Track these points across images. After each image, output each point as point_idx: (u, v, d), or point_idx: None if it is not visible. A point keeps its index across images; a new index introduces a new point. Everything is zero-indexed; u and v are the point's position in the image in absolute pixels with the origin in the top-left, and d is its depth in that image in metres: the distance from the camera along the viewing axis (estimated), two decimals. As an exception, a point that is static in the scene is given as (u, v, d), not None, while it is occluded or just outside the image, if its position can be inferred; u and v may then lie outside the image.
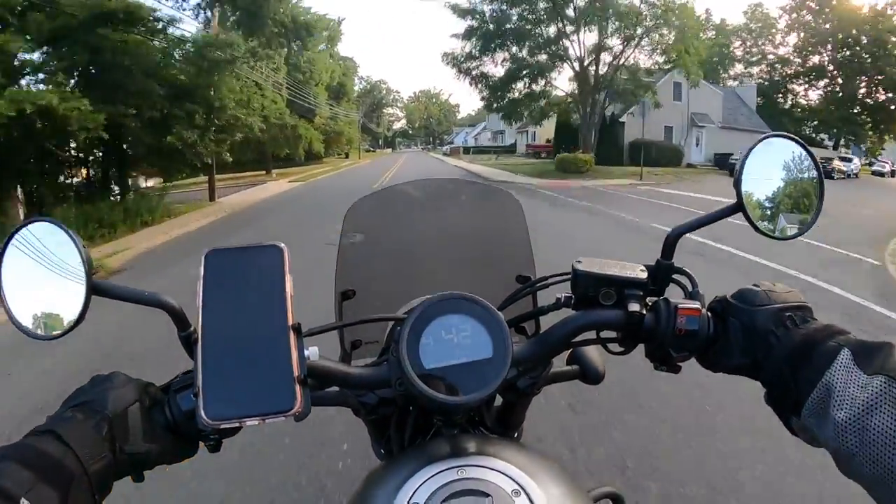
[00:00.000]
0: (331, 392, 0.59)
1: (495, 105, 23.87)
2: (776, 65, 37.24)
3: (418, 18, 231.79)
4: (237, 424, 0.40)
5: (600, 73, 21.59)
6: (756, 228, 0.53)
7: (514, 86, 22.88)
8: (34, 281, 0.46)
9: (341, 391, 0.59)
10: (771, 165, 0.54)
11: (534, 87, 22.66)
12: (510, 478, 0.45)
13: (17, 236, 0.46)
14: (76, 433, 0.39)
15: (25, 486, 0.34)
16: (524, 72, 22.35)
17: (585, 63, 21.63)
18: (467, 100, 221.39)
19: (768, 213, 0.54)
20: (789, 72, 36.24)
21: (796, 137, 0.55)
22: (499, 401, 0.66)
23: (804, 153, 0.54)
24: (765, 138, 0.53)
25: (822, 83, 34.87)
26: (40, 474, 0.36)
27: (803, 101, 36.81)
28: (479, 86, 23.34)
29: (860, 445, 0.36)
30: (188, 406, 0.45)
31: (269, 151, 24.67)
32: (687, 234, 0.55)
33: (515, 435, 0.70)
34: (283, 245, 0.45)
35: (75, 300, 0.45)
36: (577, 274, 0.54)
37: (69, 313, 0.45)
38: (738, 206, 0.52)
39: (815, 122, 34.99)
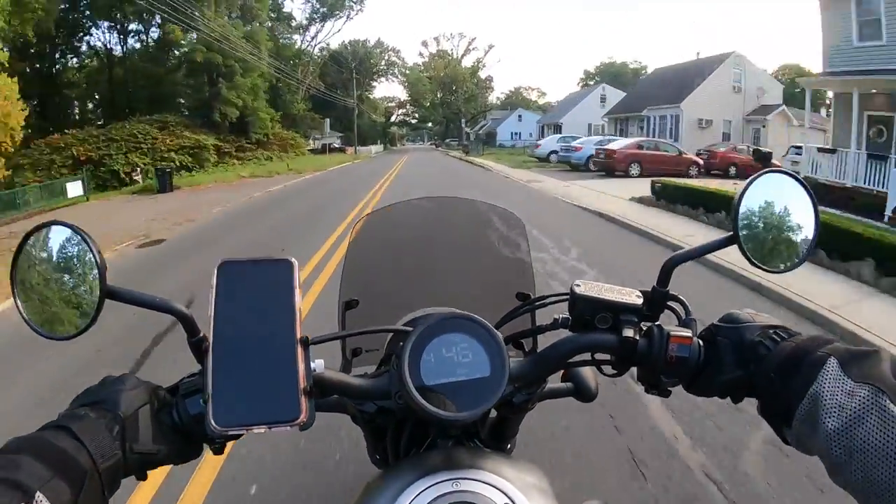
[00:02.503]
0: (331, 399, 0.61)
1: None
2: None
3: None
4: (244, 432, 0.42)
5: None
6: (750, 261, 0.54)
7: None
8: (48, 282, 0.48)
9: (342, 399, 0.61)
10: (767, 200, 0.55)
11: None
12: (502, 492, 0.47)
13: (32, 238, 0.47)
14: (89, 431, 0.40)
15: (41, 480, 0.35)
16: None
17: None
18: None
19: (763, 246, 0.55)
20: None
21: (793, 173, 0.56)
22: (493, 414, 0.67)
23: (801, 188, 0.56)
24: (762, 174, 0.55)
25: None
26: (55, 469, 0.36)
27: None
28: None
29: (848, 454, 0.37)
30: (196, 411, 0.47)
31: None
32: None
33: (508, 447, 0.72)
34: (293, 260, 0.47)
35: (88, 302, 0.46)
36: (576, 297, 0.55)
37: (82, 315, 0.46)
38: (733, 239, 0.54)
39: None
